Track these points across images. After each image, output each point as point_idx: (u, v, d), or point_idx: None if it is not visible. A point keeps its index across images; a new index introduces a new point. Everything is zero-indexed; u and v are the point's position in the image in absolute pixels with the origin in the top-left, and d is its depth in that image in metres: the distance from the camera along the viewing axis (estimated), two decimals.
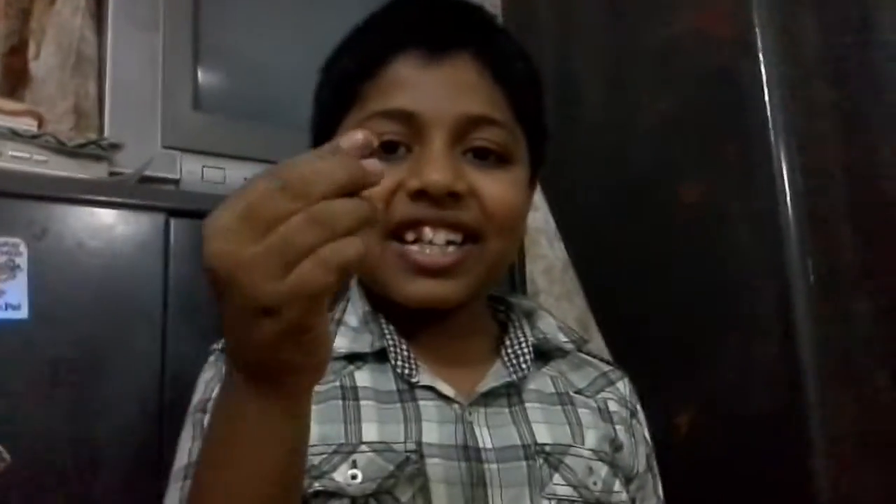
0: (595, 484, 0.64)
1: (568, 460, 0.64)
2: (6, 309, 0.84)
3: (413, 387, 0.64)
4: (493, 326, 0.74)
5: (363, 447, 0.60)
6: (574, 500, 0.62)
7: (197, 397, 0.73)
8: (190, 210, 0.96)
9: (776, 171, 1.11)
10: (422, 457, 0.60)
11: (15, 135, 0.90)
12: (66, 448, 0.85)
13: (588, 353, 0.77)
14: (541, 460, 0.62)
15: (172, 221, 0.94)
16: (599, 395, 0.71)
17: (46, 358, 0.85)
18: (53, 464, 0.84)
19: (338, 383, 0.64)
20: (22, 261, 0.86)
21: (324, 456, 0.60)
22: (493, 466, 0.61)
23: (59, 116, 0.98)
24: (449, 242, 0.63)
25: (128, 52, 0.99)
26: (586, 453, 0.65)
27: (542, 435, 0.64)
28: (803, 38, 1.13)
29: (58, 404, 0.85)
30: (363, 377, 0.65)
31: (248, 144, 1.06)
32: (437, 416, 0.62)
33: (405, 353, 0.65)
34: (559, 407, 0.68)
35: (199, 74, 1.04)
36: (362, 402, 0.63)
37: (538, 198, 1.15)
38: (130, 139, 0.96)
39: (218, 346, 0.74)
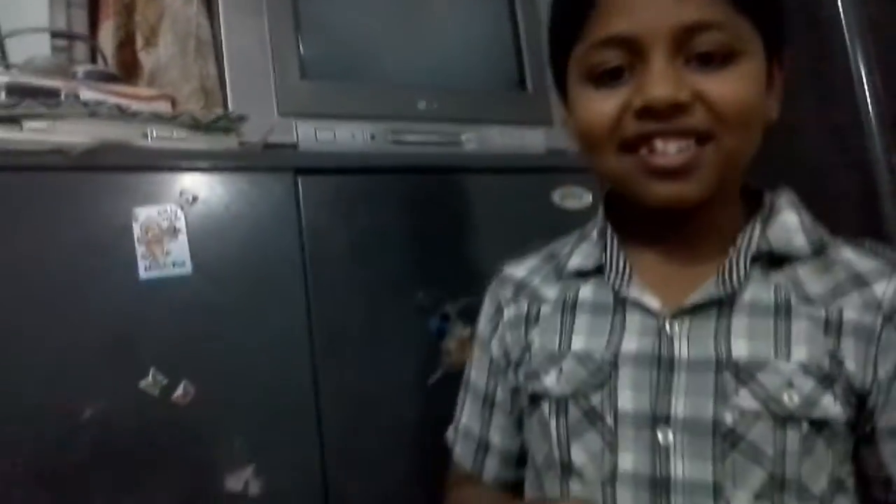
0: (791, 399, 0.63)
1: (761, 375, 0.64)
2: (174, 266, 0.97)
3: (626, 299, 0.71)
4: (738, 225, 0.72)
5: (570, 355, 0.72)
6: (759, 414, 0.63)
7: (479, 328, 0.86)
8: (312, 168, 1.09)
9: None
10: (616, 366, 0.68)
11: (157, 117, 1.02)
12: (237, 384, 0.99)
13: (856, 251, 0.70)
14: (728, 374, 0.65)
15: (300, 179, 1.07)
16: (835, 303, 0.67)
17: (209, 306, 0.98)
18: (233, 402, 0.98)
19: (562, 298, 0.75)
20: (181, 224, 0.98)
21: (540, 361, 0.74)
22: (683, 375, 0.66)
23: (187, 97, 1.09)
24: (680, 151, 0.64)
25: (238, 34, 1.10)
26: (788, 368, 0.64)
27: (740, 349, 0.65)
28: None
29: (218, 346, 0.98)
30: (586, 291, 0.74)
31: (351, 104, 1.18)
32: (640, 327, 0.69)
33: (621, 268, 0.72)
34: (771, 319, 0.67)
35: (302, 47, 1.15)
36: (577, 316, 0.73)
37: None
38: (251, 111, 1.08)
39: (503, 267, 0.85)
